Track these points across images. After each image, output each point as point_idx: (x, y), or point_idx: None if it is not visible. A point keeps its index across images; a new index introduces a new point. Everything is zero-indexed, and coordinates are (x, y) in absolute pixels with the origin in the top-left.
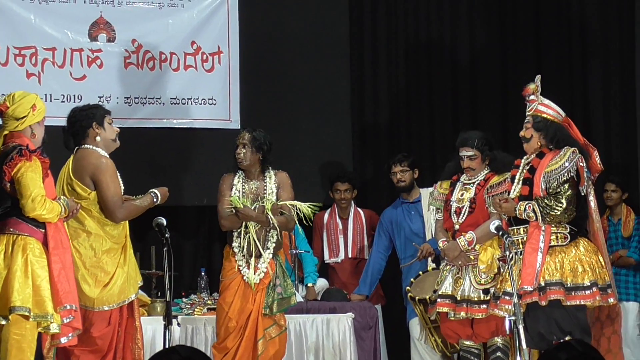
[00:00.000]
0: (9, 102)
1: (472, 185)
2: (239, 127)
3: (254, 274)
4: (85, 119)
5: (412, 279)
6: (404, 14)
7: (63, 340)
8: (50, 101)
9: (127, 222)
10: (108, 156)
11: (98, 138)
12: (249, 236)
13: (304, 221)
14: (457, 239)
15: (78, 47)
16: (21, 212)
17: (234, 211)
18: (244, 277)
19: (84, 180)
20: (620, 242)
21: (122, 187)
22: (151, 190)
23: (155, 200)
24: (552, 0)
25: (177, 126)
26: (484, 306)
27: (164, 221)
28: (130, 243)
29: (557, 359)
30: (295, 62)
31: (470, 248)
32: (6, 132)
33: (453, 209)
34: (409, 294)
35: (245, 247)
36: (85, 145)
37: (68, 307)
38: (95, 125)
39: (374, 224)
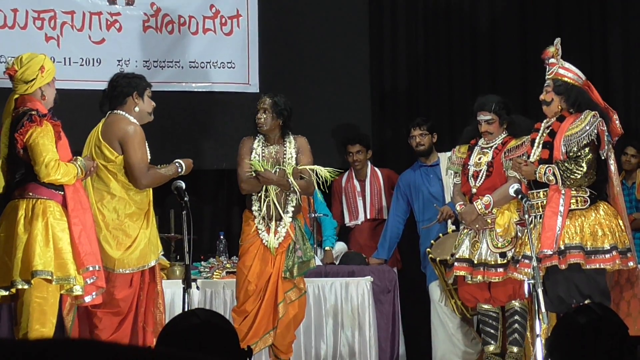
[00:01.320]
0: (17, 66)
1: (489, 149)
2: (258, 91)
3: (274, 237)
4: (127, 86)
5: (432, 241)
6: None
7: (87, 299)
8: (69, 65)
9: (150, 189)
10: (138, 124)
11: (136, 108)
12: (269, 199)
13: (322, 186)
14: (475, 203)
15: (97, 11)
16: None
17: (254, 174)
18: (264, 241)
19: (112, 144)
20: (634, 205)
21: (149, 156)
22: (176, 160)
23: (179, 170)
24: None
25: (196, 90)
26: (501, 270)
27: (183, 184)
28: (152, 210)
29: (576, 322)
30: (314, 26)
31: (487, 211)
32: (17, 96)
33: (471, 172)
34: (430, 256)
35: (265, 210)
36: (118, 111)
37: (91, 268)
38: (135, 95)
39: (393, 184)
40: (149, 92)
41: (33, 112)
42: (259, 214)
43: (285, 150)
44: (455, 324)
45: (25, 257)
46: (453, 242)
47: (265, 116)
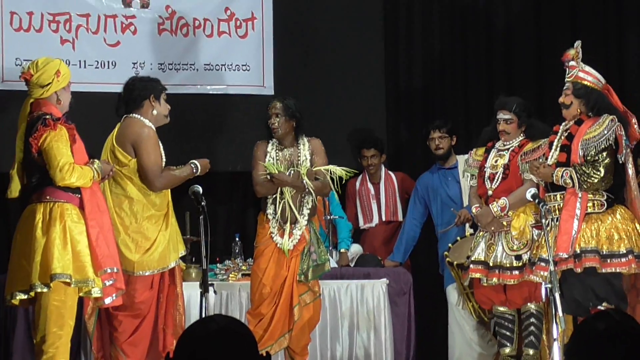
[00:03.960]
0: (32, 70)
1: (506, 151)
2: (273, 94)
3: (289, 239)
4: (144, 90)
5: (450, 244)
6: None
7: (107, 300)
8: (84, 67)
9: (169, 190)
10: (153, 127)
11: (154, 111)
12: (285, 202)
13: (337, 186)
14: (490, 205)
15: (112, 14)
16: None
17: (268, 177)
18: (277, 244)
19: (126, 148)
20: None
21: (164, 159)
22: (192, 161)
23: (195, 171)
24: None
25: (210, 92)
26: (516, 272)
27: (200, 189)
28: (172, 211)
29: (595, 328)
30: (329, 28)
31: (503, 214)
32: (32, 100)
33: (487, 175)
34: (447, 259)
35: (280, 212)
36: (134, 115)
37: (109, 270)
38: (152, 98)
39: (406, 187)
40: (165, 95)
41: (47, 116)
42: (274, 217)
43: (300, 152)
44: (472, 326)
45: (44, 261)
46: (470, 245)
47: (278, 120)
